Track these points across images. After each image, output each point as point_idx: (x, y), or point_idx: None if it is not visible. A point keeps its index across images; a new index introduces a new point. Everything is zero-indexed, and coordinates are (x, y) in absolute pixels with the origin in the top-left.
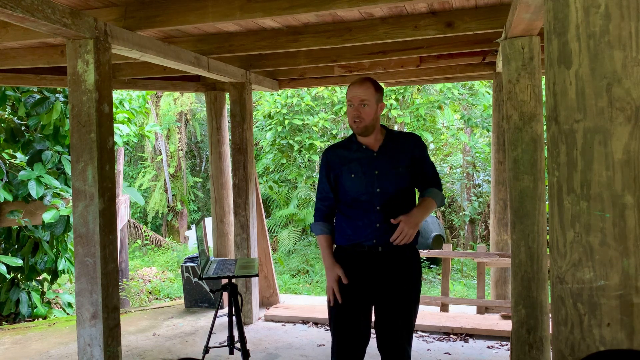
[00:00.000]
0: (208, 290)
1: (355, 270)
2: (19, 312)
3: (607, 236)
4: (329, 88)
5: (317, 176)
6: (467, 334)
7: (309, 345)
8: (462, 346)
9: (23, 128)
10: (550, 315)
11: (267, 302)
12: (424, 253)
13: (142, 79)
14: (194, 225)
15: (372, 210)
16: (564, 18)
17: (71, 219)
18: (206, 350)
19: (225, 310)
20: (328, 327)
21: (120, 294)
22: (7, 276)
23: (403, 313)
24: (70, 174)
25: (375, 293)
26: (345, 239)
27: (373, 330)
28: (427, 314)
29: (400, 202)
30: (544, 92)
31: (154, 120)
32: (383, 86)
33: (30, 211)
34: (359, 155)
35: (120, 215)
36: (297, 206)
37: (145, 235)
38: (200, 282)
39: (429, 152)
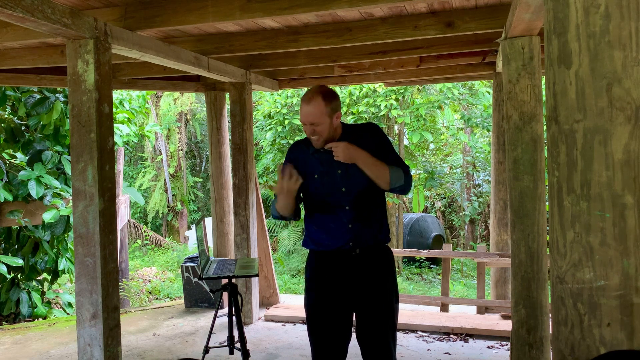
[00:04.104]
0: (208, 290)
1: (333, 275)
2: (19, 312)
3: (607, 236)
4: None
5: None
6: (467, 334)
7: (309, 345)
8: (462, 346)
9: (23, 128)
10: (550, 315)
11: (267, 302)
12: (423, 253)
13: (142, 79)
14: (194, 225)
15: (342, 211)
16: (564, 18)
17: (71, 219)
18: (206, 350)
19: (225, 310)
20: None
21: (120, 294)
22: (8, 276)
23: (388, 316)
24: (70, 174)
25: (357, 296)
26: (320, 246)
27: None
28: (427, 314)
29: (370, 198)
30: (544, 92)
31: (154, 120)
32: (382, 86)
33: (30, 211)
34: (319, 155)
35: (120, 215)
36: None
37: (145, 235)
38: (200, 282)
39: (429, 152)
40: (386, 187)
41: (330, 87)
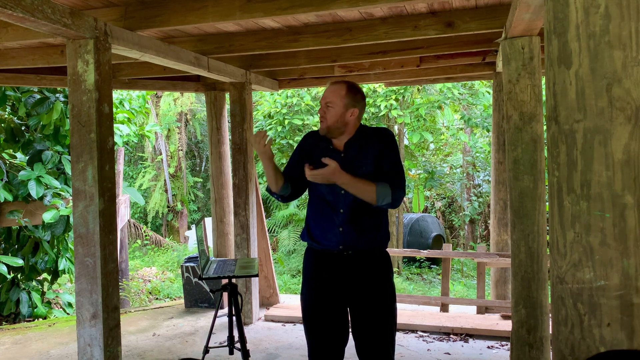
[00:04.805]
0: (208, 290)
1: (328, 273)
2: (19, 312)
3: (607, 236)
4: None
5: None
6: (467, 334)
7: None
8: (462, 346)
9: (23, 128)
10: (550, 315)
11: (267, 302)
12: (424, 253)
13: (142, 79)
14: (194, 225)
15: (336, 212)
16: (564, 18)
17: (71, 219)
18: (206, 350)
19: (225, 310)
20: None
21: (120, 294)
22: (8, 276)
23: (383, 318)
24: (70, 174)
25: (349, 296)
26: (315, 243)
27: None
28: (427, 314)
29: (368, 205)
30: (544, 92)
31: (154, 120)
32: (382, 86)
33: (30, 211)
34: (327, 152)
35: (120, 215)
36: (297, 206)
37: (145, 235)
38: (200, 282)
39: (429, 152)
40: (373, 204)
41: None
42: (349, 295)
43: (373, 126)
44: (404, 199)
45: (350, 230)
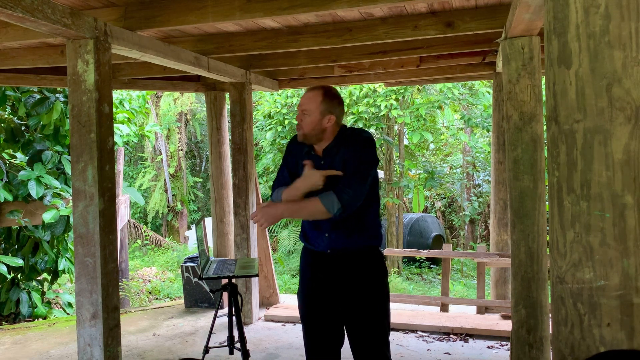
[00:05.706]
0: (208, 290)
1: (321, 273)
2: (19, 312)
3: (607, 236)
4: None
5: None
6: (467, 334)
7: None
8: (462, 346)
9: (23, 128)
10: (550, 315)
11: (267, 302)
12: (423, 253)
13: (142, 79)
14: (194, 225)
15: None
16: (564, 18)
17: (71, 219)
18: (206, 350)
19: (225, 310)
20: None
21: (120, 294)
22: (8, 276)
23: (375, 315)
24: (70, 174)
25: (342, 295)
26: (309, 244)
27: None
28: (427, 314)
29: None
30: (544, 92)
31: (154, 120)
32: (382, 86)
33: (30, 211)
34: (309, 158)
35: (120, 215)
36: None
37: (145, 235)
38: (200, 282)
39: (429, 152)
40: (329, 216)
41: (338, 95)
42: (342, 294)
43: (354, 127)
44: (404, 198)
45: (336, 236)
